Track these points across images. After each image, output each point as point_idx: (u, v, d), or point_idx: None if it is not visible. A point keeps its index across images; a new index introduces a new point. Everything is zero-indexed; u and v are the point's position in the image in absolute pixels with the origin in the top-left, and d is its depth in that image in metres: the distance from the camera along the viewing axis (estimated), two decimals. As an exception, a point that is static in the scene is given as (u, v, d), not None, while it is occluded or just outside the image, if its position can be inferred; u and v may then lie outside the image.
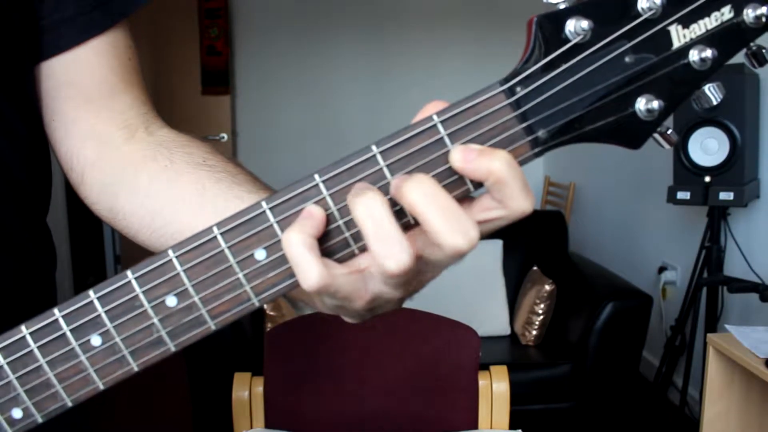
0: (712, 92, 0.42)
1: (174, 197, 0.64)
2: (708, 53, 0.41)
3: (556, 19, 0.42)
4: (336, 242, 0.45)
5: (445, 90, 4.90)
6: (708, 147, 2.44)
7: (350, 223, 0.45)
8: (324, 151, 4.91)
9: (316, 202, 0.45)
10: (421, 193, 0.42)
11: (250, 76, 4.95)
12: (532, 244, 3.18)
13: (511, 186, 0.42)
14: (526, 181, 0.43)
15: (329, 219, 0.45)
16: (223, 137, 4.90)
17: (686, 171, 2.47)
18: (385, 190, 0.44)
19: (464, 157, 0.42)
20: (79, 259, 4.29)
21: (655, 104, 0.42)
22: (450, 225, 0.42)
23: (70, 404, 0.49)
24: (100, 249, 4.93)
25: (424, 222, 0.42)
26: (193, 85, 4.85)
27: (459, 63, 4.97)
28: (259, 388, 1.64)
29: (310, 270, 0.44)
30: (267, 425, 1.65)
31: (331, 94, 5.01)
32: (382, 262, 0.43)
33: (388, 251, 0.43)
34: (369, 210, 0.43)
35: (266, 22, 4.88)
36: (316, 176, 0.45)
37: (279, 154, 4.96)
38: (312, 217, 0.45)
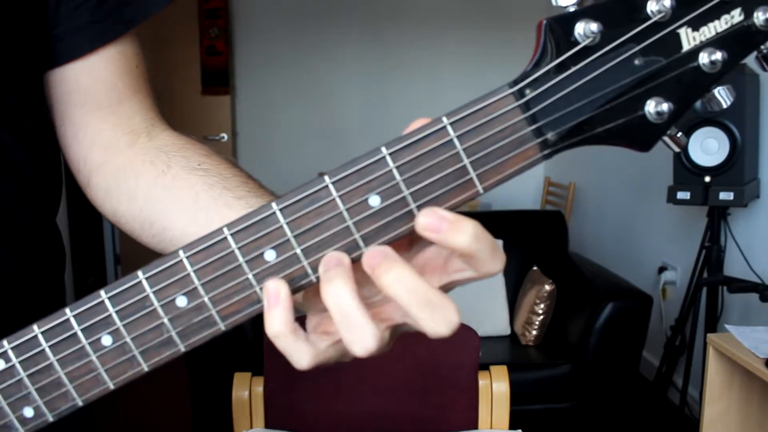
0: (723, 95, 0.42)
1: (170, 204, 0.66)
2: (718, 56, 0.41)
3: (566, 21, 0.42)
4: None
5: (445, 90, 4.91)
6: (708, 147, 2.44)
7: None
8: (324, 151, 4.92)
9: (326, 204, 0.45)
10: (403, 288, 0.42)
11: (250, 76, 4.95)
12: (532, 244, 3.19)
13: (477, 257, 0.43)
14: (496, 244, 0.43)
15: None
16: (223, 137, 4.90)
17: (686, 171, 2.48)
18: (393, 191, 0.44)
19: (434, 227, 0.42)
20: (79, 259, 4.29)
21: (665, 107, 0.42)
22: (433, 317, 0.43)
23: (80, 404, 0.49)
24: (100, 249, 4.93)
25: (406, 312, 0.43)
26: (193, 85, 4.85)
27: (459, 63, 4.98)
28: (259, 388, 1.64)
29: (302, 355, 0.46)
30: (267, 425, 1.65)
31: (331, 94, 5.02)
32: (349, 348, 0.44)
33: (354, 338, 0.44)
34: (337, 299, 0.43)
35: (266, 22, 4.89)
36: (326, 178, 0.45)
37: (279, 154, 4.97)
38: (280, 299, 0.45)
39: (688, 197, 2.47)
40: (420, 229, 0.43)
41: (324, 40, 4.93)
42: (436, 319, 0.42)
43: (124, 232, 0.70)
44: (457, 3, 4.95)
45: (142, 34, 0.72)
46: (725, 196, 2.42)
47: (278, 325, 0.45)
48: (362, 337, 0.43)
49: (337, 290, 0.43)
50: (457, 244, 0.42)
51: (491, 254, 0.43)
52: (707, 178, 2.44)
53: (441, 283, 0.46)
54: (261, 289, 0.47)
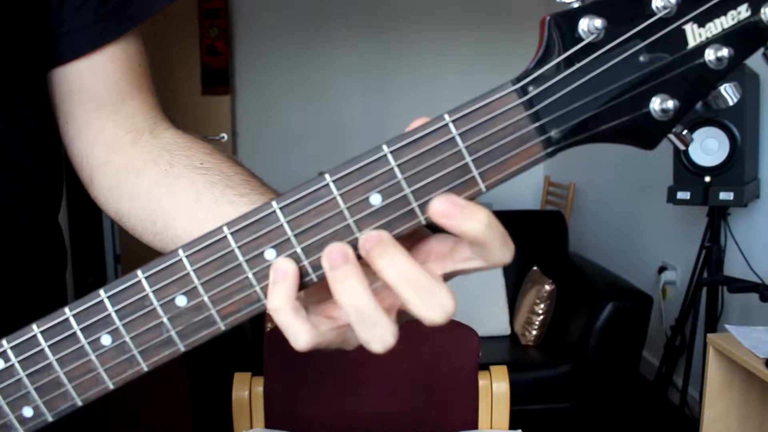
0: (729, 92, 0.42)
1: (172, 202, 0.65)
2: (724, 52, 0.41)
3: (569, 18, 0.41)
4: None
5: (445, 90, 4.90)
6: (708, 147, 2.44)
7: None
8: (324, 151, 4.91)
9: (326, 202, 0.45)
10: (395, 272, 0.42)
11: (250, 76, 4.95)
12: (532, 244, 3.18)
13: (488, 246, 0.43)
14: (506, 234, 0.43)
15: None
16: (223, 137, 4.90)
17: (686, 171, 2.48)
18: (394, 190, 0.44)
19: (447, 213, 0.42)
20: (79, 259, 4.29)
21: (670, 104, 0.41)
22: (426, 302, 0.42)
23: (80, 403, 0.49)
24: (100, 249, 4.93)
25: (400, 297, 0.43)
26: (193, 85, 4.85)
27: (459, 63, 4.98)
28: (259, 388, 1.64)
29: (300, 333, 0.45)
30: (267, 425, 1.65)
31: (331, 94, 5.01)
32: (367, 346, 0.44)
33: (373, 336, 0.44)
34: (353, 300, 0.43)
35: (266, 22, 4.88)
36: (327, 176, 0.44)
37: (279, 154, 4.96)
38: (287, 276, 0.45)
39: (688, 197, 2.47)
40: (434, 215, 0.42)
41: (324, 40, 4.92)
42: (430, 304, 0.42)
43: (127, 230, 0.70)
44: (457, 3, 4.95)
45: (142, 33, 0.72)
46: (725, 196, 2.42)
47: (280, 300, 0.45)
48: (382, 335, 0.43)
49: (352, 291, 0.43)
50: (470, 230, 0.42)
51: (502, 243, 0.43)
52: (707, 178, 2.44)
53: (445, 271, 0.46)
54: (261, 288, 0.46)
